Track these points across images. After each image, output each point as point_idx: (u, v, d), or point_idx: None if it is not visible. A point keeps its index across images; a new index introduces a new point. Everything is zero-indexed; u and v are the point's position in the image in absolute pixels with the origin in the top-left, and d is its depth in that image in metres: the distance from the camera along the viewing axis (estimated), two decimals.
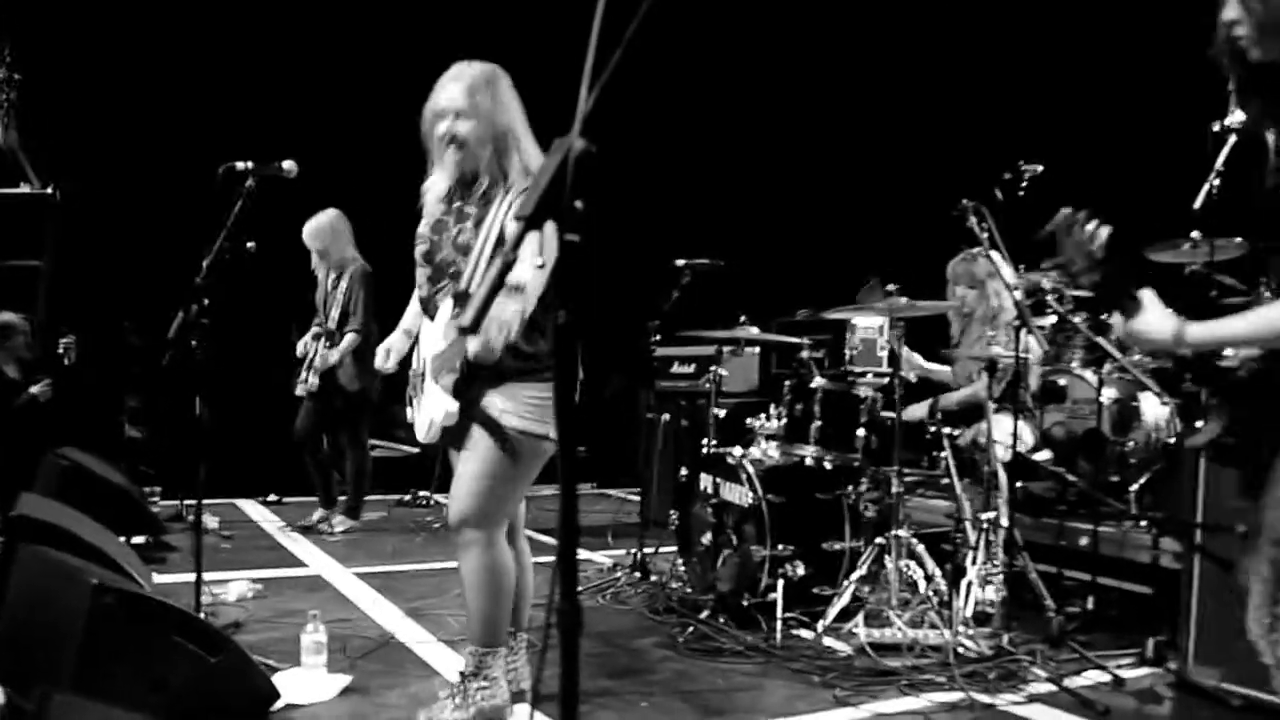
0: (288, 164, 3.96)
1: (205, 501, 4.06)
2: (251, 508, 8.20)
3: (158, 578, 4.80)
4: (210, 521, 6.85)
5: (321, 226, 6.83)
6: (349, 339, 6.85)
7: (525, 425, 3.23)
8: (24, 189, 7.40)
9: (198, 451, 4.11)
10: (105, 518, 4.30)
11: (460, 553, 3.29)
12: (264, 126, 7.36)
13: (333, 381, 6.93)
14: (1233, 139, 5.12)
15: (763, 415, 5.11)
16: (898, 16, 8.40)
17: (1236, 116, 5.27)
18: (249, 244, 6.06)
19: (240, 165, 3.89)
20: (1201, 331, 1.92)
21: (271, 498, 8.51)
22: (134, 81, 8.18)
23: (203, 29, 8.32)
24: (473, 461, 3.24)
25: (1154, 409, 5.51)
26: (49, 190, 7.41)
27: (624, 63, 1.36)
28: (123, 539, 4.83)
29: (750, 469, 4.75)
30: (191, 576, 3.98)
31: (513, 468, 3.24)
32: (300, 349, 7.04)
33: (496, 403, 3.22)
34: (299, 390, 7.04)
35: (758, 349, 7.02)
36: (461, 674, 3.32)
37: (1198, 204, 5.00)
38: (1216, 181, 5.05)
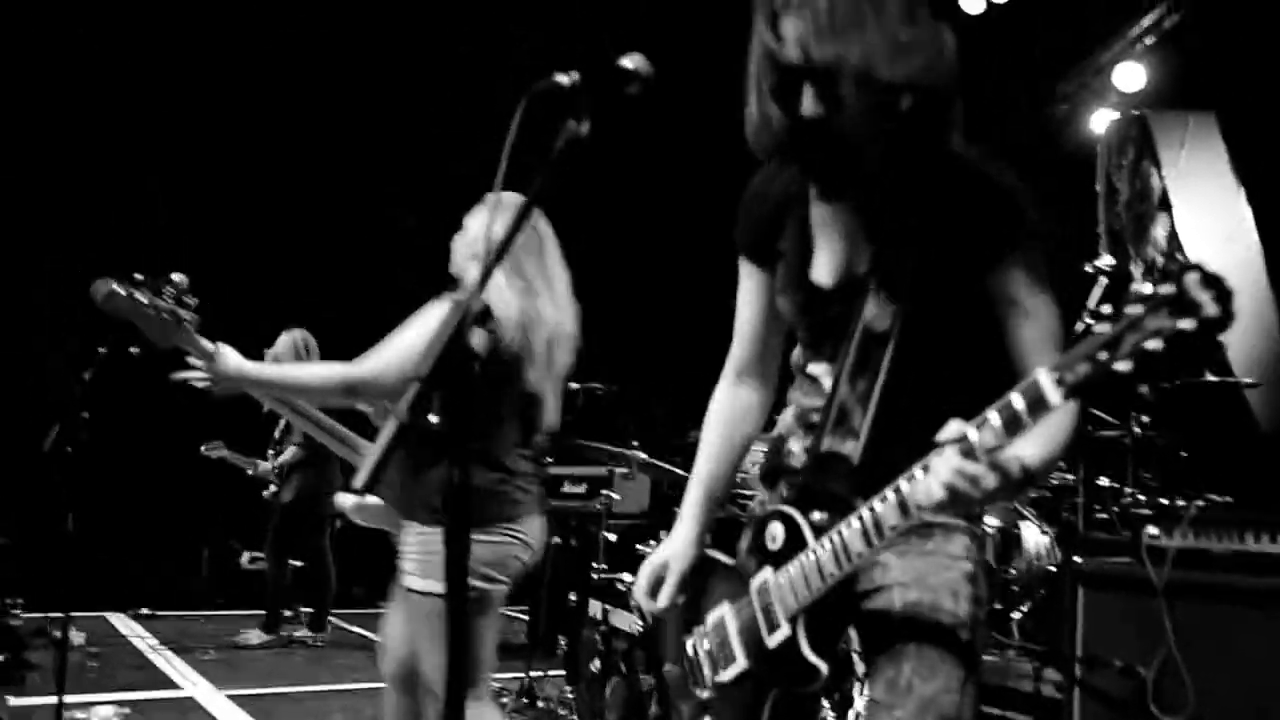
0: (178, 276, 3.87)
1: (72, 614, 3.88)
2: (121, 622, 7.85)
3: (15, 700, 4.55)
4: (76, 637, 6.54)
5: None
6: (290, 451, 7.18)
7: (422, 585, 2.85)
8: None
9: (65, 566, 3.94)
10: None
11: None
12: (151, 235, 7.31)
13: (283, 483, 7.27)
14: (1104, 280, 5.39)
15: (653, 541, 5.09)
16: None
17: (1106, 259, 5.56)
18: (132, 349, 5.92)
19: (133, 277, 3.81)
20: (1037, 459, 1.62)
21: (144, 611, 8.16)
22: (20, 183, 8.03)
23: (89, 133, 8.22)
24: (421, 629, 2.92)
25: (1035, 537, 5.63)
26: None
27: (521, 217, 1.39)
28: None
29: None
30: (53, 699, 3.78)
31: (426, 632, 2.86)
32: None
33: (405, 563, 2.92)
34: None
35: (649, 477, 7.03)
36: None
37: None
38: (1089, 320, 5.29)
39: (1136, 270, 6.80)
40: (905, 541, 1.79)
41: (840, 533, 1.69)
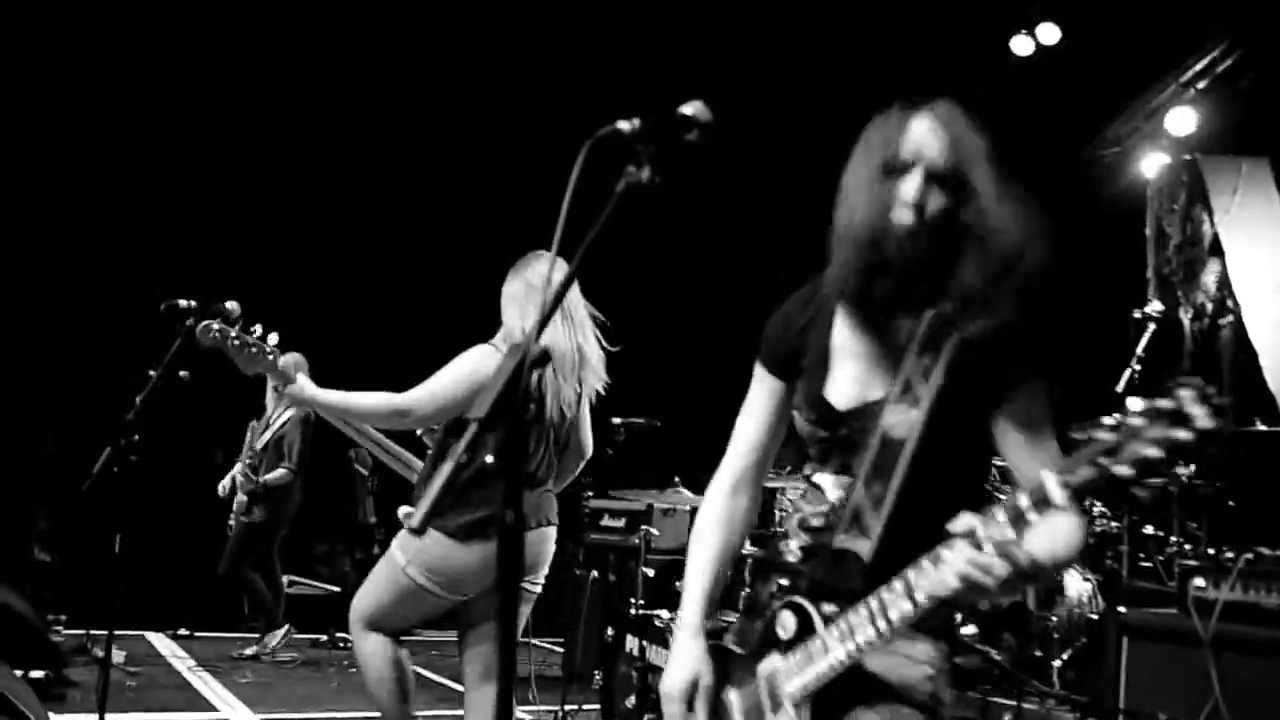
0: (230, 304, 3.93)
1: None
2: (160, 641, 7.90)
3: (56, 717, 4.59)
4: (116, 656, 6.59)
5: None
6: (281, 472, 7.27)
7: (412, 572, 3.37)
8: None
9: (112, 587, 3.98)
10: (1, 648, 4.12)
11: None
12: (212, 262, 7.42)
13: (257, 501, 7.32)
14: (1152, 326, 5.35)
15: None
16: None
17: (1155, 305, 5.51)
18: (182, 373, 6.01)
19: (183, 303, 3.87)
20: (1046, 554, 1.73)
21: (182, 631, 8.21)
22: (81, 210, 8.15)
23: (147, 164, 8.34)
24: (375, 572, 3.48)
25: (1077, 585, 5.56)
26: None
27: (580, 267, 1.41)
28: (19, 673, 4.61)
29: None
30: (93, 717, 3.80)
31: (394, 598, 3.41)
32: (223, 489, 7.51)
33: (401, 539, 3.44)
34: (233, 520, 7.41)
35: (689, 507, 7.01)
36: None
37: (1120, 387, 5.18)
38: (1138, 366, 5.25)
39: (1185, 316, 6.74)
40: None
41: (848, 620, 1.76)
